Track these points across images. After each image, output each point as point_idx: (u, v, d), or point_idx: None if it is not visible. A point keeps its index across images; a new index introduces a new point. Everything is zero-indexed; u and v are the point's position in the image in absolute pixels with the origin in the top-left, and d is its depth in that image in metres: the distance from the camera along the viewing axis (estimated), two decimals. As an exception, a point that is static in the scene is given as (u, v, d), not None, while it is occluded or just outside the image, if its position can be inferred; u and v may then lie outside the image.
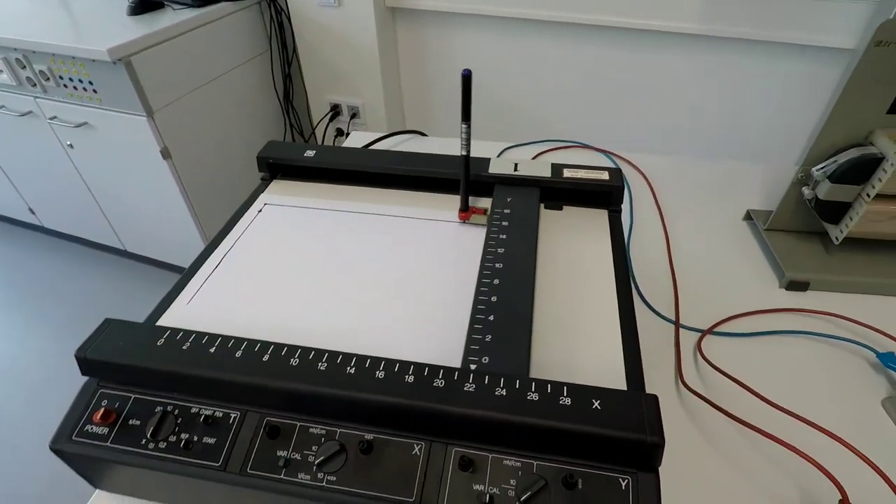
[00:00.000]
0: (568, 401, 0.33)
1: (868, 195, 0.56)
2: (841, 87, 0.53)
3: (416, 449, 0.34)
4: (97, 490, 0.42)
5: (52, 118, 1.44)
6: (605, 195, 0.54)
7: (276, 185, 0.60)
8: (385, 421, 0.35)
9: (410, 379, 0.35)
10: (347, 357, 0.36)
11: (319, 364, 0.36)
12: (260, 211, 0.56)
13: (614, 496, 0.32)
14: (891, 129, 0.55)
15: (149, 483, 0.38)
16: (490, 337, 0.39)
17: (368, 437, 0.34)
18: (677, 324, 0.56)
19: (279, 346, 0.37)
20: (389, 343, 0.40)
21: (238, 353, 0.36)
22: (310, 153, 0.59)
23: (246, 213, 0.55)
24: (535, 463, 0.33)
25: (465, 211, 0.52)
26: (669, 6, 1.32)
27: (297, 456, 0.34)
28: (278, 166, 0.61)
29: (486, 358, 0.37)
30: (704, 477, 0.44)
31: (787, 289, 0.61)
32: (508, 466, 0.33)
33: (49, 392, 1.46)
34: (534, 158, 0.84)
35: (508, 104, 1.72)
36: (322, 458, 0.34)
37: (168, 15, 1.39)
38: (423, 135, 0.93)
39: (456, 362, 0.37)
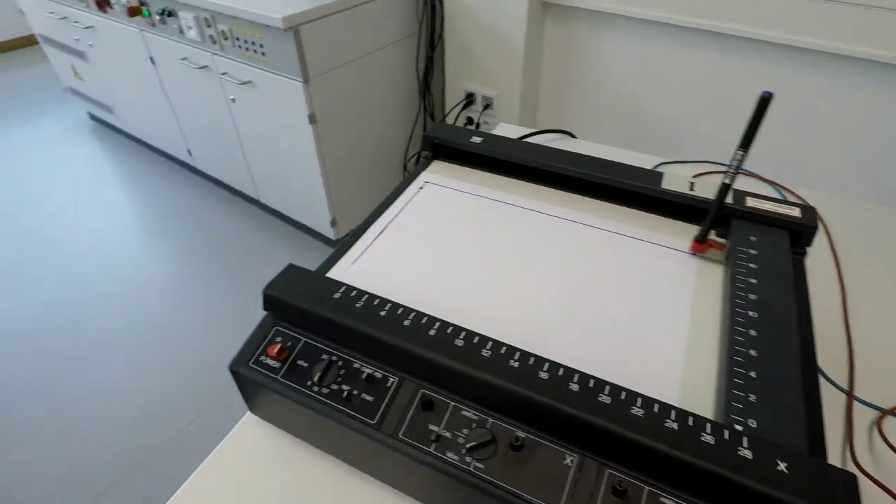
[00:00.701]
0: (749, 454, 0.30)
1: None
2: None
3: (569, 460, 0.33)
4: (248, 413, 0.46)
5: (222, 73, 1.59)
6: (792, 235, 0.49)
7: (437, 166, 0.61)
8: (541, 424, 0.34)
9: (575, 388, 0.33)
10: (511, 349, 0.36)
11: (483, 350, 0.36)
12: (421, 188, 0.57)
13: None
14: None
15: (301, 421, 0.40)
16: (754, 397, 0.35)
17: (521, 434, 0.34)
18: (851, 394, 0.50)
19: (446, 324, 0.37)
20: (539, 338, 0.40)
21: (406, 322, 0.37)
22: (476, 139, 0.59)
23: (408, 188, 0.57)
24: (698, 507, 0.31)
25: (703, 243, 0.48)
26: (878, 31, 1.17)
27: (448, 434, 0.35)
28: (440, 147, 0.62)
29: (753, 421, 0.33)
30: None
31: None
32: None
33: (181, 310, 1.63)
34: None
35: (657, 116, 1.64)
36: (473, 443, 0.34)
37: (332, -8, 1.47)
38: (572, 136, 0.91)
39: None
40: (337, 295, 0.39)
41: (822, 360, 0.52)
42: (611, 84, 1.66)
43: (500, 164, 0.59)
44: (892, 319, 0.58)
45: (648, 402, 0.33)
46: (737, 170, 0.43)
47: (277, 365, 0.38)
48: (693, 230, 0.50)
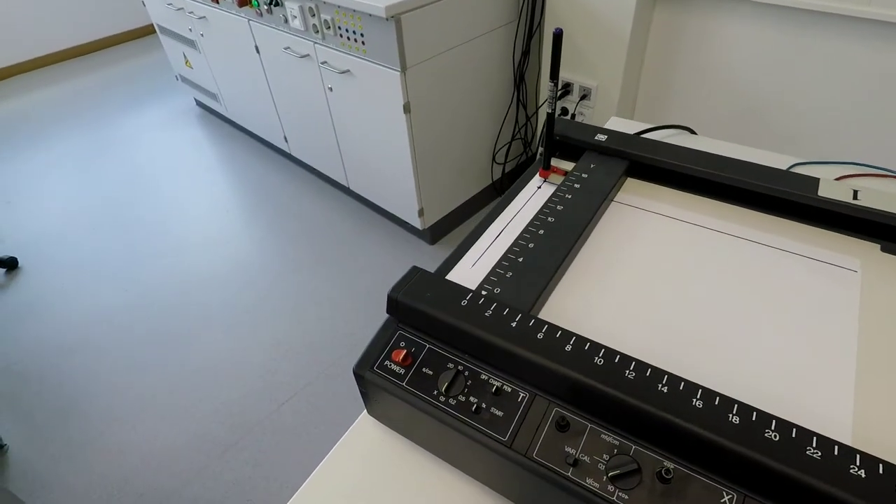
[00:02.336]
0: (861, 474, 0.26)
1: None
2: None
3: (726, 499, 0.30)
4: (364, 413, 0.46)
5: (322, 63, 1.63)
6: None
7: (553, 164, 0.58)
8: (693, 456, 0.31)
9: (736, 420, 0.30)
10: (658, 372, 0.33)
11: (627, 371, 0.33)
12: (539, 188, 0.55)
13: None
14: None
15: (424, 430, 0.40)
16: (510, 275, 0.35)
17: (669, 465, 0.31)
18: None
19: (583, 339, 0.35)
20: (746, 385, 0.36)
21: (539, 335, 0.35)
22: (601, 137, 0.56)
23: (525, 187, 0.55)
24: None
25: (547, 169, 0.47)
26: None
27: (587, 459, 0.32)
28: (557, 144, 0.59)
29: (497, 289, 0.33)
30: None
31: None
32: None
33: (274, 291, 1.72)
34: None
35: (777, 111, 1.50)
36: (616, 471, 0.31)
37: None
38: (692, 132, 0.84)
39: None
40: (465, 302, 0.38)
41: None
42: (724, 76, 1.53)
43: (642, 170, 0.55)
44: None
45: (826, 443, 0.29)
46: (553, 100, 0.37)
47: (402, 371, 0.38)
48: (860, 244, 0.44)
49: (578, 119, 1.84)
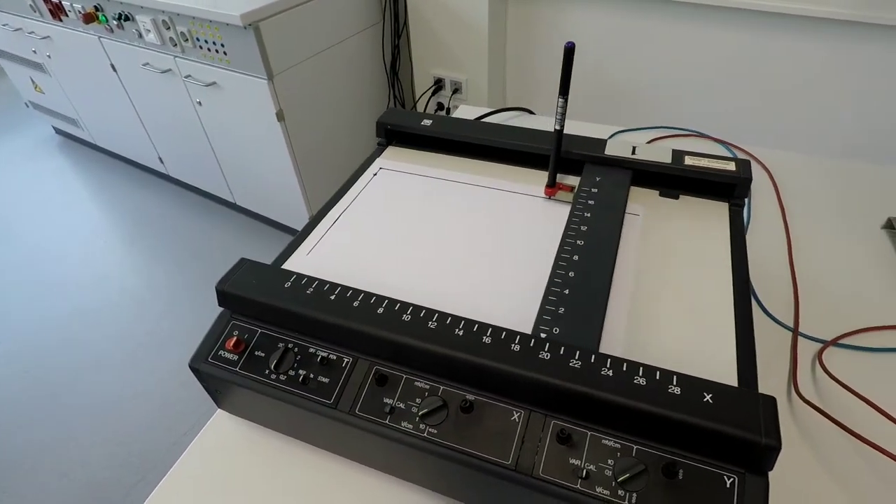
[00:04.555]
0: (677, 390, 0.32)
1: None
2: None
3: (516, 416, 0.35)
4: (218, 410, 0.47)
5: (186, 76, 1.57)
6: (728, 187, 0.51)
7: (391, 152, 0.62)
8: (487, 385, 0.36)
9: (516, 348, 0.35)
10: (456, 319, 0.37)
11: (430, 322, 0.37)
12: (375, 175, 0.58)
13: (717, 493, 0.31)
14: None
15: (265, 410, 0.42)
16: (563, 309, 0.39)
17: (470, 397, 0.36)
18: (796, 331, 0.53)
19: (393, 301, 0.39)
20: (476, 307, 0.41)
21: (356, 303, 0.39)
22: (427, 122, 0.61)
23: (362, 176, 0.58)
24: (634, 447, 0.33)
25: (552, 187, 0.52)
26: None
27: (402, 405, 0.36)
28: (394, 133, 0.63)
29: (557, 329, 0.38)
30: (810, 492, 0.41)
31: (930, 309, 0.54)
32: (607, 446, 0.33)
33: (166, 318, 1.63)
34: (650, 142, 0.81)
35: (620, 86, 1.65)
36: (425, 410, 0.35)
37: (292, -16, 1.46)
38: (531, 112, 0.92)
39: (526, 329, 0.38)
40: (287, 284, 0.40)
41: (770, 303, 0.55)
42: (580, 61, 1.67)
43: (448, 145, 0.60)
44: (832, 257, 0.61)
45: (586, 353, 0.34)
46: (563, 116, 0.46)
47: (235, 357, 0.40)
48: (644, 192, 0.53)
49: (453, 112, 1.92)
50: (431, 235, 0.49)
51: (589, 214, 0.48)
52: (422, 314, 0.38)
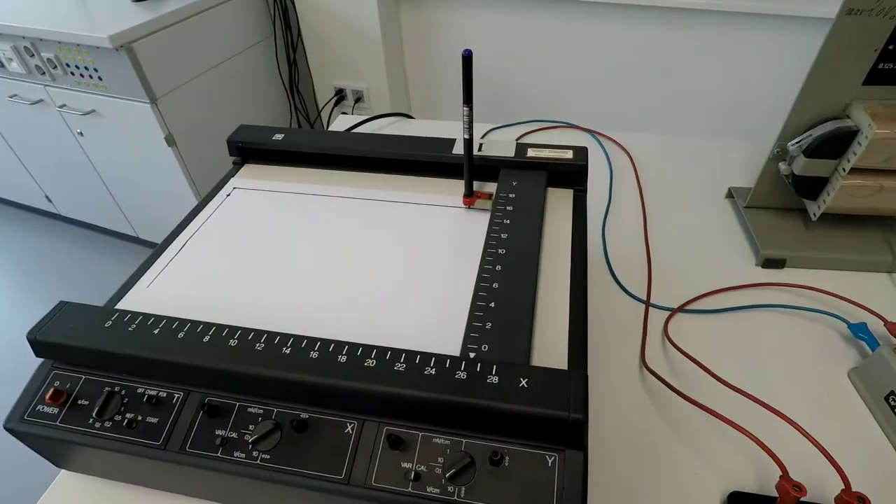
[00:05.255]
0: (496, 379, 0.33)
1: (844, 169, 0.53)
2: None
3: (349, 427, 0.35)
4: (62, 470, 0.44)
5: (61, 106, 1.47)
6: (569, 174, 0.53)
7: (248, 170, 0.61)
8: (319, 400, 0.35)
9: (343, 359, 0.35)
10: (285, 337, 0.36)
11: (257, 345, 0.36)
12: (229, 195, 0.56)
13: (540, 472, 0.32)
14: (868, 100, 0.52)
15: (102, 462, 0.39)
16: (490, 325, 0.38)
17: (304, 415, 0.35)
18: (647, 303, 0.56)
19: (220, 328, 0.37)
20: (377, 327, 0.40)
21: (181, 335, 0.37)
22: (278, 136, 0.59)
23: (214, 198, 0.56)
24: (463, 441, 0.33)
25: (471, 196, 0.51)
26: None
27: (234, 434, 0.35)
28: (250, 150, 0.61)
29: (486, 346, 0.37)
30: (658, 454, 0.44)
31: (763, 266, 0.59)
32: (438, 445, 0.33)
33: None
34: (518, 139, 0.83)
35: (513, 85, 1.70)
36: (257, 436, 0.34)
37: (170, 1, 1.40)
38: (410, 117, 0.93)
39: (454, 347, 0.37)
40: (108, 323, 0.38)
41: (629, 279, 0.58)
42: (477, 64, 1.70)
43: (309, 158, 0.59)
44: (682, 228, 0.65)
45: (410, 356, 0.35)
46: (470, 124, 0.46)
47: (55, 411, 0.37)
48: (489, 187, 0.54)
49: (332, 124, 1.90)
50: (300, 254, 0.48)
51: (509, 221, 0.48)
52: (250, 337, 0.37)
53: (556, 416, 0.31)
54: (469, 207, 0.52)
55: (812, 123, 0.55)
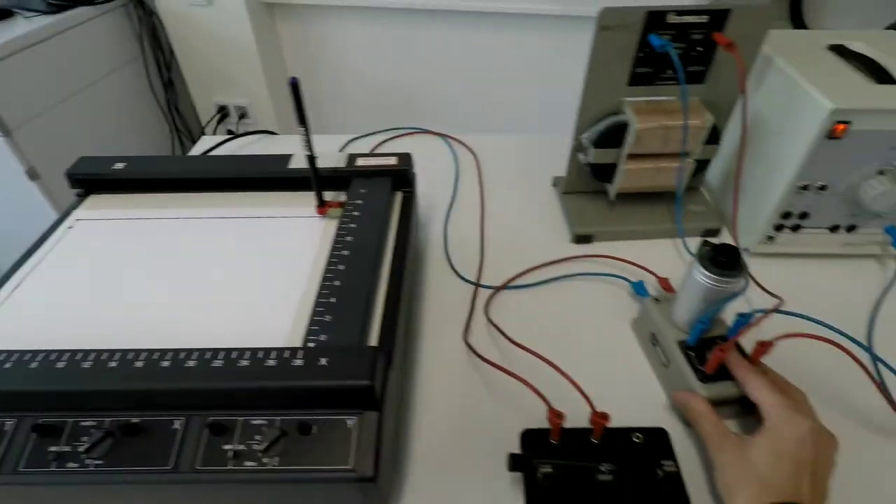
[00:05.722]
0: (300, 362, 0.39)
1: (625, 156, 0.64)
2: (593, 63, 0.61)
3: (177, 423, 0.39)
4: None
5: None
6: (396, 179, 0.60)
7: (93, 201, 0.62)
8: (147, 404, 0.39)
9: (166, 364, 0.39)
10: (111, 353, 0.40)
11: (84, 363, 0.39)
12: (70, 228, 0.58)
13: (342, 434, 0.38)
14: (634, 98, 0.63)
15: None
16: (329, 317, 0.44)
17: (134, 420, 0.39)
18: (477, 284, 0.64)
19: (49, 353, 0.40)
20: (222, 333, 0.44)
21: (7, 365, 0.39)
22: (119, 165, 0.61)
23: (55, 233, 0.57)
24: (278, 419, 0.39)
25: (323, 206, 0.56)
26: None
27: (68, 448, 0.38)
28: (94, 181, 0.63)
29: (325, 336, 0.42)
30: (475, 410, 0.51)
31: (575, 242, 0.69)
32: (256, 425, 0.38)
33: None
34: (376, 147, 0.89)
35: (404, 94, 1.77)
36: (88, 445, 0.38)
37: (19, 24, 1.33)
38: (273, 133, 0.96)
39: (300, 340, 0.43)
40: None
41: (466, 265, 0.65)
42: (358, 73, 1.75)
43: (156, 184, 0.62)
44: (514, 216, 0.74)
45: (228, 352, 0.39)
46: (308, 143, 0.52)
47: None
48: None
49: (195, 145, 1.89)
50: (133, 278, 0.51)
51: (355, 225, 0.53)
52: (77, 357, 0.40)
53: (348, 386, 0.37)
54: (323, 216, 0.57)
55: (597, 118, 0.65)
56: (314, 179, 0.55)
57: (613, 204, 0.71)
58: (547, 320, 0.60)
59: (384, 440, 0.39)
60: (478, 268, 0.66)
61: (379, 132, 0.93)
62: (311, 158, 0.53)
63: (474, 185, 0.80)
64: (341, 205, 0.57)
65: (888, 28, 1.22)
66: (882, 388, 0.49)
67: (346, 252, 0.50)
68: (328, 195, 0.59)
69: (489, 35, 1.55)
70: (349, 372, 0.38)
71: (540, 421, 0.46)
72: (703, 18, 0.57)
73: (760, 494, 0.38)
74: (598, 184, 0.71)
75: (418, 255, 0.68)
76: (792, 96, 0.59)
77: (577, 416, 0.45)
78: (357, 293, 0.46)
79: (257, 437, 0.38)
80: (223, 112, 1.83)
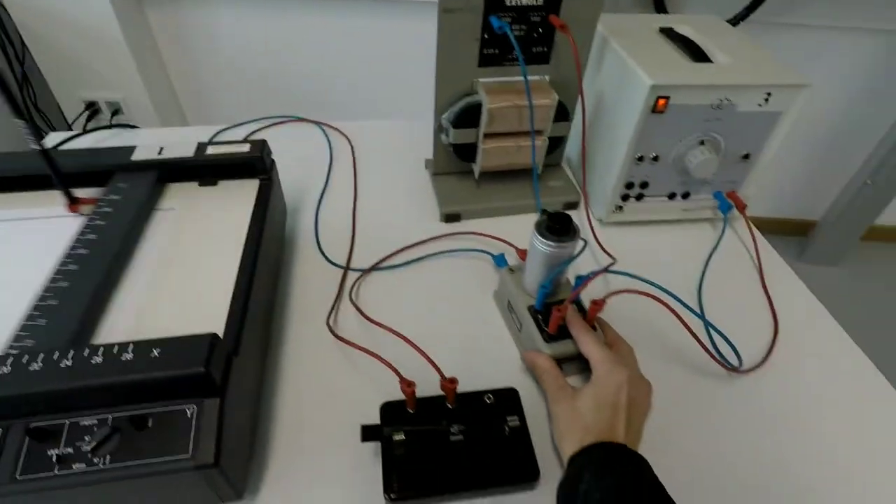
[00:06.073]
0: (130, 356, 0.37)
1: (483, 135, 0.67)
2: (443, 45, 0.63)
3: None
4: None
5: None
6: (249, 166, 0.59)
7: None
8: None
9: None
10: None
11: None
12: None
13: (181, 423, 0.37)
14: (486, 79, 0.66)
15: None
16: (45, 321, 0.42)
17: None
18: (346, 268, 0.64)
19: None
20: None
21: None
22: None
23: None
24: (110, 416, 0.37)
25: (75, 203, 0.53)
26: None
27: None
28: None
29: (33, 341, 0.40)
30: (340, 389, 0.52)
31: (446, 221, 0.72)
32: (86, 426, 0.37)
33: None
34: (247, 137, 0.87)
35: (267, 84, 1.72)
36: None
37: None
38: (133, 127, 0.91)
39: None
40: None
41: (335, 249, 0.65)
42: (236, 62, 1.67)
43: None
44: (387, 199, 0.75)
45: (48, 353, 0.37)
46: (37, 136, 0.49)
47: None
48: (183, 186, 0.57)
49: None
50: None
51: (103, 222, 0.50)
52: None
53: (182, 375, 0.37)
54: (77, 214, 0.53)
55: (454, 100, 0.68)
56: (55, 176, 0.51)
57: (479, 183, 0.74)
58: (415, 298, 0.61)
59: (229, 426, 0.39)
60: (348, 252, 0.66)
61: (251, 121, 0.91)
62: (45, 152, 0.50)
63: (349, 171, 0.80)
64: (95, 201, 0.54)
65: (729, 21, 1.36)
66: (692, 334, 0.53)
67: (84, 251, 0.48)
68: (179, 186, 0.57)
69: (365, 21, 1.54)
70: (183, 361, 0.37)
71: (399, 394, 0.47)
72: (539, 1, 0.60)
73: (583, 437, 0.42)
74: (465, 164, 0.74)
75: (287, 242, 0.68)
76: (623, 74, 0.64)
77: (434, 386, 0.47)
78: (80, 294, 0.44)
79: (87, 438, 0.36)
80: (93, 108, 1.69)
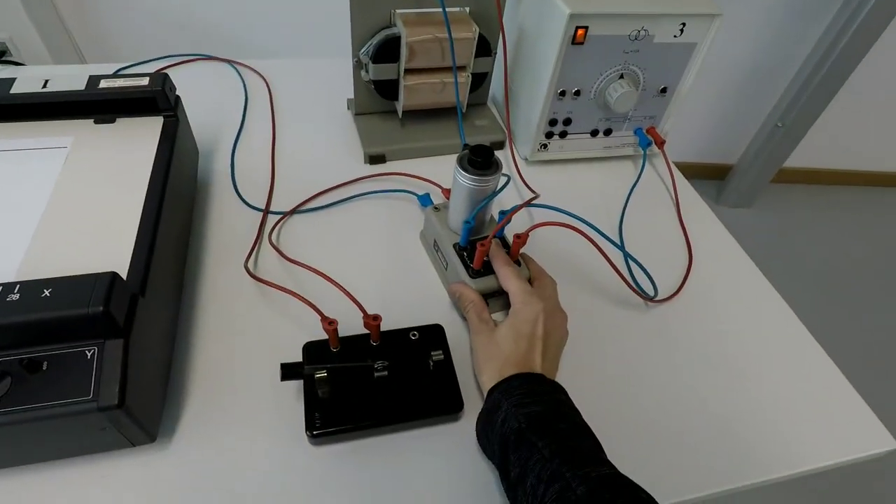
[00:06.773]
0: (17, 297, 0.35)
1: (404, 71, 0.65)
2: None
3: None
4: None
5: None
6: (150, 101, 0.55)
7: None
8: None
9: None
10: None
11: None
12: None
13: (81, 366, 0.35)
14: (404, 10, 0.64)
15: None
16: None
17: None
18: (265, 211, 0.62)
19: None
20: None
21: None
22: None
23: None
24: (-1, 361, 0.35)
25: None
26: None
27: None
28: None
29: None
30: (260, 329, 0.51)
31: (370, 163, 0.70)
32: (-26, 375, 0.34)
33: None
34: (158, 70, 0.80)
35: (202, 19, 1.59)
36: None
37: None
38: (20, 64, 0.81)
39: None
40: None
41: (253, 193, 0.62)
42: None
43: None
44: (308, 141, 0.73)
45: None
46: None
47: None
48: (76, 123, 0.52)
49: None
50: None
51: None
52: None
53: (77, 315, 0.35)
54: None
55: (372, 32, 0.65)
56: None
57: (404, 122, 0.73)
58: (339, 240, 0.61)
59: (136, 367, 0.37)
60: (267, 195, 0.64)
61: (155, 59, 0.84)
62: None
63: (266, 113, 0.76)
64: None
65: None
66: (612, 264, 0.55)
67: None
68: (71, 123, 0.52)
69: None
70: (78, 301, 0.35)
71: (323, 335, 0.47)
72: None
73: (502, 369, 0.44)
74: (388, 103, 0.72)
75: (202, 186, 0.64)
76: (543, 6, 0.64)
77: (359, 326, 0.47)
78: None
79: (-30, 388, 0.34)
80: (-27, 50, 1.49)
